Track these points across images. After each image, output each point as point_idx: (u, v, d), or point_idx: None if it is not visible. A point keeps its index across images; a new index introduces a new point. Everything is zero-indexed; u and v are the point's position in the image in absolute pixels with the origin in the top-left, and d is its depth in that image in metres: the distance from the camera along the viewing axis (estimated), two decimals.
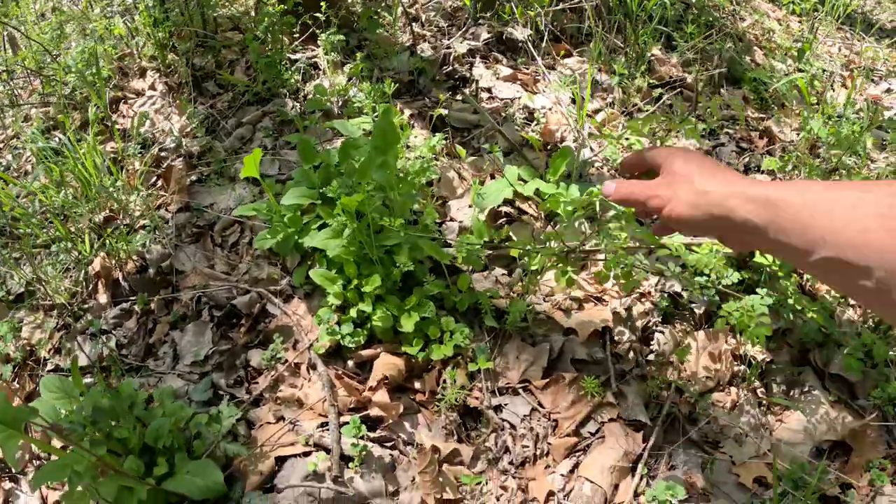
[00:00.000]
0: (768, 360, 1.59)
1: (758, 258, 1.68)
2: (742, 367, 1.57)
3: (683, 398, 1.49)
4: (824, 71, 2.88)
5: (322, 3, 2.39)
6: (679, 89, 2.48)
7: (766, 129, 2.39)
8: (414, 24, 2.70)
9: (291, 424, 1.39)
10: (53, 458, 1.34)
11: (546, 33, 2.55)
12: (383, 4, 2.71)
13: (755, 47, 2.95)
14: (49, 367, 1.77)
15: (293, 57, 2.52)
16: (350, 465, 1.31)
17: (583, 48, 2.61)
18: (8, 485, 1.55)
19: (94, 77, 2.45)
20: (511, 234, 1.73)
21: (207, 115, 2.37)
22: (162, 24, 2.67)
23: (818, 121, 2.17)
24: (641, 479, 1.35)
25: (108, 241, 1.93)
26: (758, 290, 1.51)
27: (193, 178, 2.10)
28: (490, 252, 1.67)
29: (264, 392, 1.47)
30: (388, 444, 1.35)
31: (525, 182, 1.83)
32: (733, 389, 1.52)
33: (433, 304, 1.48)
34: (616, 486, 1.34)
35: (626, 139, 2.15)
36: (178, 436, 1.38)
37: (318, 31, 2.44)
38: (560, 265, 1.39)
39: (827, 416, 1.49)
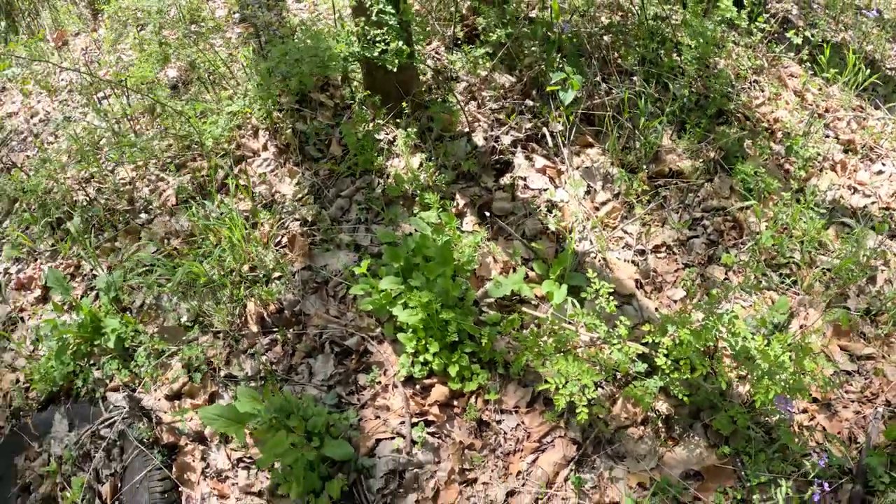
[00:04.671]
0: (670, 413, 3.43)
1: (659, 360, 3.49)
2: (651, 415, 3.44)
3: (609, 428, 3.36)
4: (818, 154, 4.57)
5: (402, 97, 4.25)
6: (675, 181, 4.26)
7: (737, 222, 4.15)
8: (472, 102, 4.52)
9: (383, 421, 3.35)
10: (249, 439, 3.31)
11: (574, 128, 4.34)
12: (447, 88, 4.53)
13: (761, 128, 4.65)
14: (222, 372, 3.75)
15: (377, 136, 4.39)
16: (415, 446, 3.26)
17: (602, 132, 4.39)
18: (212, 454, 3.54)
19: (228, 147, 4.38)
20: (520, 315, 3.62)
21: (313, 183, 4.27)
22: (266, 93, 4.54)
23: (768, 231, 3.88)
24: (571, 471, 3.25)
25: (253, 288, 3.88)
26: (655, 376, 3.33)
27: (309, 241, 4.02)
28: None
29: (367, 401, 3.42)
30: (437, 436, 3.29)
31: (534, 274, 3.71)
32: (642, 428, 3.39)
33: (468, 357, 3.39)
34: (557, 473, 3.24)
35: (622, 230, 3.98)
36: (324, 425, 3.34)
37: (398, 120, 4.30)
38: (536, 353, 3.28)
39: (699, 454, 3.34)
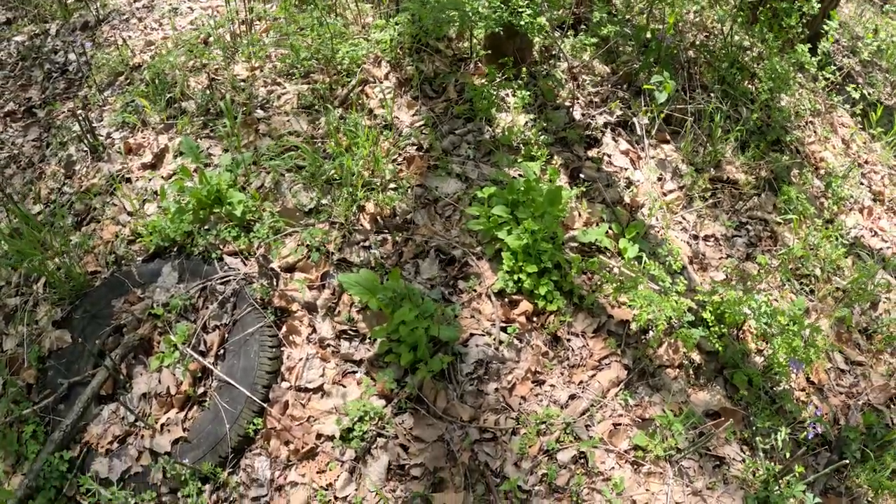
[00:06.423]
0: (701, 364, 4.68)
1: (705, 314, 4.74)
2: (686, 362, 4.67)
3: (653, 364, 4.59)
4: (851, 196, 5.87)
5: (515, 58, 5.41)
6: (730, 188, 5.50)
7: (773, 233, 5.41)
8: (573, 82, 5.70)
9: (476, 321, 4.51)
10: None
11: (657, 124, 5.55)
12: (553, 64, 5.70)
13: (808, 162, 5.93)
14: (336, 256, 4.85)
15: (493, 91, 5.53)
16: (501, 345, 4.43)
17: (679, 132, 5.62)
18: (317, 322, 4.65)
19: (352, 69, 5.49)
20: (598, 262, 4.82)
21: (429, 117, 5.39)
22: (393, 29, 5.65)
23: (799, 244, 5.17)
24: (620, 390, 4.46)
25: (371, 194, 5.00)
26: (699, 327, 4.58)
27: (425, 164, 5.15)
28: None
29: (464, 303, 4.57)
30: (520, 340, 4.45)
31: (611, 232, 4.92)
32: (678, 370, 4.62)
33: (553, 283, 4.58)
34: (608, 390, 4.45)
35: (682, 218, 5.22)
36: (433, 311, 4.48)
37: (518, 81, 5.46)
38: (616, 287, 4.48)
39: (718, 399, 4.59)
